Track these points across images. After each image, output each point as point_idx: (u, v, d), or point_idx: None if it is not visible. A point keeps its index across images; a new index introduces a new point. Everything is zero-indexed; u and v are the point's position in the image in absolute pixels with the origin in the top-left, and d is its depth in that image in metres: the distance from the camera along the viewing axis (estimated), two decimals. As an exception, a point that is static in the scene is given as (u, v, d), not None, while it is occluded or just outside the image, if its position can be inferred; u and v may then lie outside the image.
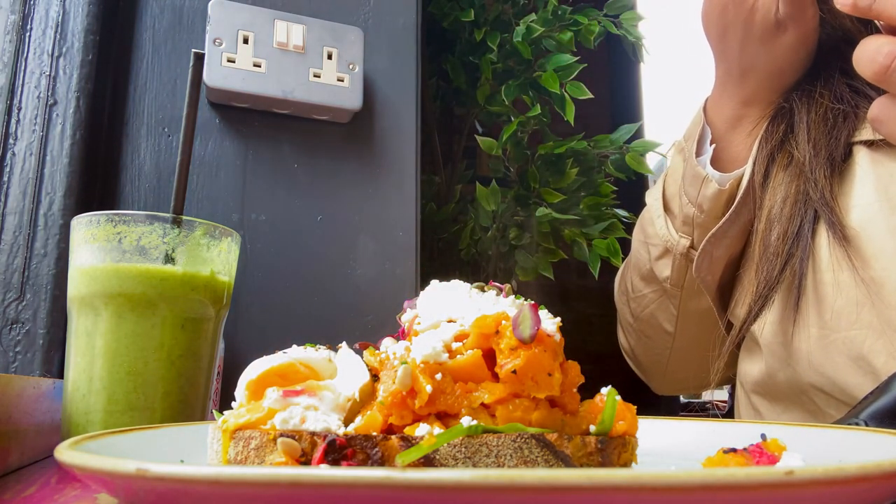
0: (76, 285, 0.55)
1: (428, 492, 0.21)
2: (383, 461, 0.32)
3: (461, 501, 0.22)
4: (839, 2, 0.55)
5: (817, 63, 0.77)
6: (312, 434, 0.32)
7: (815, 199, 0.70)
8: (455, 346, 0.36)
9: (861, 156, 0.69)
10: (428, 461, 0.31)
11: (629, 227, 1.72)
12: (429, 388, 0.33)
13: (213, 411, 0.40)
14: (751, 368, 0.79)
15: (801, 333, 0.69)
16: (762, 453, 0.37)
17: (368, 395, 0.35)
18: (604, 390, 0.37)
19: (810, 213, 0.70)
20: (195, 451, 0.39)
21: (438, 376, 0.34)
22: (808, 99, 0.75)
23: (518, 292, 0.42)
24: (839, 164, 0.71)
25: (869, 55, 0.53)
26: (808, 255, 0.69)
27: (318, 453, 0.31)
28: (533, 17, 1.56)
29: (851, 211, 0.68)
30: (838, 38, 0.75)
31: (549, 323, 0.36)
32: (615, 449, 0.35)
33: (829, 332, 0.67)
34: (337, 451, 0.31)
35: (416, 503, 0.22)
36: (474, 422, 0.32)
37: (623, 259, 1.64)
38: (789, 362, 0.72)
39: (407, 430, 0.33)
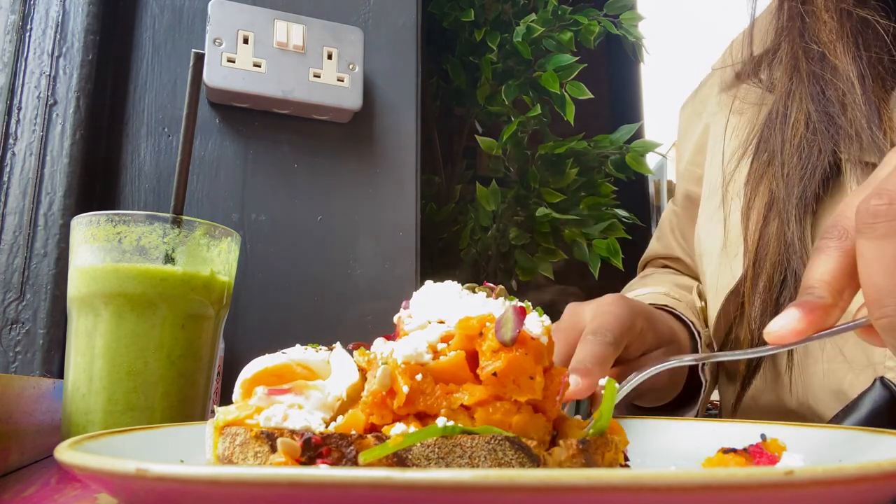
0: (76, 285, 0.55)
1: (428, 492, 0.21)
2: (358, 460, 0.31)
3: (461, 501, 0.22)
4: None
5: (791, 85, 0.69)
6: (292, 432, 0.32)
7: (788, 242, 0.64)
8: (441, 346, 0.36)
9: (851, 173, 0.64)
10: (400, 461, 0.31)
11: (629, 228, 1.72)
12: (405, 389, 0.33)
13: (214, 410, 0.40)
14: (729, 392, 0.77)
15: (784, 359, 0.68)
16: (762, 453, 0.37)
17: (357, 395, 0.36)
18: (602, 381, 0.36)
19: (795, 260, 0.64)
20: (195, 451, 0.39)
21: (419, 377, 0.34)
22: (783, 126, 0.68)
23: (518, 292, 0.41)
24: (811, 205, 0.65)
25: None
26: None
27: (293, 450, 0.31)
28: (533, 17, 1.56)
29: None
30: (816, 55, 0.68)
31: (535, 325, 0.35)
32: (598, 449, 0.35)
33: (811, 363, 0.65)
34: (312, 448, 0.31)
35: (416, 503, 0.22)
36: (450, 422, 0.32)
37: (623, 259, 1.64)
38: (773, 386, 0.70)
39: (385, 430, 0.33)
